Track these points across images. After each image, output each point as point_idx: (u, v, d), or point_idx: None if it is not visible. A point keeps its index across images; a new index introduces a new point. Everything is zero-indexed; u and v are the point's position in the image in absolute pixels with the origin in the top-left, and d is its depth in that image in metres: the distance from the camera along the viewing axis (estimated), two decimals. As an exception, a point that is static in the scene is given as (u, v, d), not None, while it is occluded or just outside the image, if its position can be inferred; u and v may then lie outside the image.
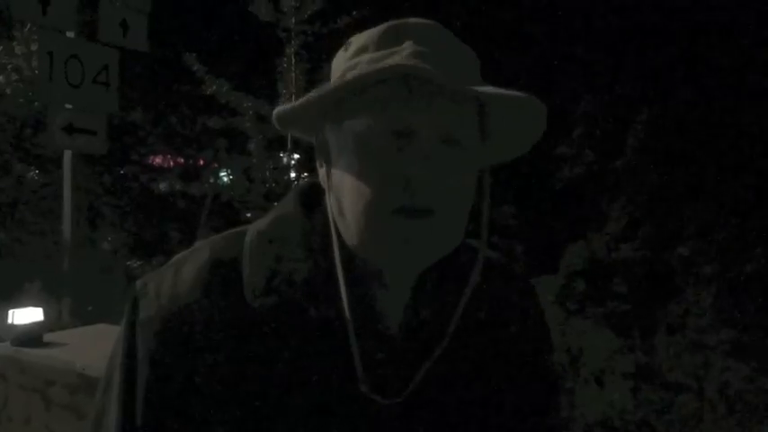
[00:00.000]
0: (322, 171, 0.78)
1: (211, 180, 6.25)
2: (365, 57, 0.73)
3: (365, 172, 0.69)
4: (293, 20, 5.08)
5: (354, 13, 5.15)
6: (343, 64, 0.76)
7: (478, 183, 0.78)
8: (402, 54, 0.70)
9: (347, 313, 0.71)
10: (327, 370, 0.71)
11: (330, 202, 0.76)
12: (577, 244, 6.36)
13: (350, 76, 0.71)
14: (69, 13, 3.80)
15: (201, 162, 8.47)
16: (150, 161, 8.96)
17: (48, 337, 2.75)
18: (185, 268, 0.76)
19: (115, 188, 7.87)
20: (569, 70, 8.58)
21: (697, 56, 8.19)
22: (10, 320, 2.67)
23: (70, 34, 3.85)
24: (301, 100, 0.72)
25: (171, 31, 7.21)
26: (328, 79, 0.78)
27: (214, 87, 5.03)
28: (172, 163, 9.10)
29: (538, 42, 8.54)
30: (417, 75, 0.67)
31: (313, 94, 0.71)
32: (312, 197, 0.81)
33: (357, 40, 0.77)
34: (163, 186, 8.30)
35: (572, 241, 6.37)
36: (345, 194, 0.72)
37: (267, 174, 5.26)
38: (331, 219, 0.76)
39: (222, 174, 6.34)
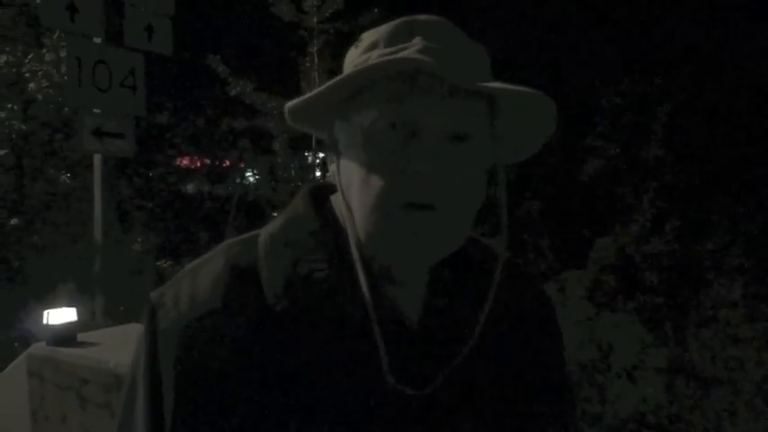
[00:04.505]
0: (333, 167, 0.78)
1: (238, 180, 6.31)
2: (375, 52, 0.74)
3: (371, 168, 0.70)
4: (315, 19, 5.10)
5: (376, 10, 5.15)
6: (354, 60, 0.77)
7: (493, 178, 0.78)
8: (411, 49, 0.70)
9: (370, 309, 0.71)
10: (353, 366, 0.71)
11: (340, 198, 0.76)
12: (606, 238, 6.26)
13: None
14: (96, 19, 3.87)
15: (228, 163, 8.56)
16: (177, 163, 9.08)
17: (81, 336, 2.80)
18: (202, 275, 0.76)
19: (144, 190, 7.99)
20: (590, 62, 8.46)
21: (724, 45, 8.01)
22: (45, 321, 2.73)
23: (97, 40, 3.91)
24: (311, 92, 0.72)
25: (194, 34, 7.29)
26: None
27: (238, 88, 5.08)
28: (198, 164, 9.21)
29: (556, 33, 8.43)
30: (424, 69, 0.66)
31: (322, 86, 0.71)
32: (321, 196, 0.82)
33: (368, 36, 0.77)
34: (190, 188, 8.41)
35: (600, 235, 6.28)
36: (354, 190, 0.72)
37: (292, 173, 5.30)
38: (342, 216, 0.77)
39: (248, 174, 6.39)
